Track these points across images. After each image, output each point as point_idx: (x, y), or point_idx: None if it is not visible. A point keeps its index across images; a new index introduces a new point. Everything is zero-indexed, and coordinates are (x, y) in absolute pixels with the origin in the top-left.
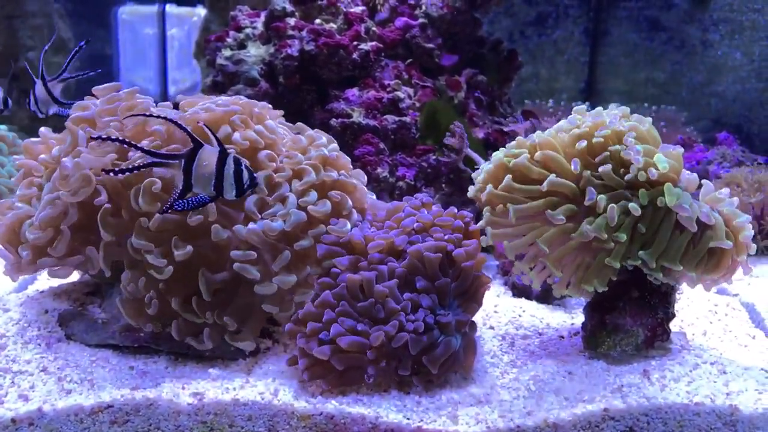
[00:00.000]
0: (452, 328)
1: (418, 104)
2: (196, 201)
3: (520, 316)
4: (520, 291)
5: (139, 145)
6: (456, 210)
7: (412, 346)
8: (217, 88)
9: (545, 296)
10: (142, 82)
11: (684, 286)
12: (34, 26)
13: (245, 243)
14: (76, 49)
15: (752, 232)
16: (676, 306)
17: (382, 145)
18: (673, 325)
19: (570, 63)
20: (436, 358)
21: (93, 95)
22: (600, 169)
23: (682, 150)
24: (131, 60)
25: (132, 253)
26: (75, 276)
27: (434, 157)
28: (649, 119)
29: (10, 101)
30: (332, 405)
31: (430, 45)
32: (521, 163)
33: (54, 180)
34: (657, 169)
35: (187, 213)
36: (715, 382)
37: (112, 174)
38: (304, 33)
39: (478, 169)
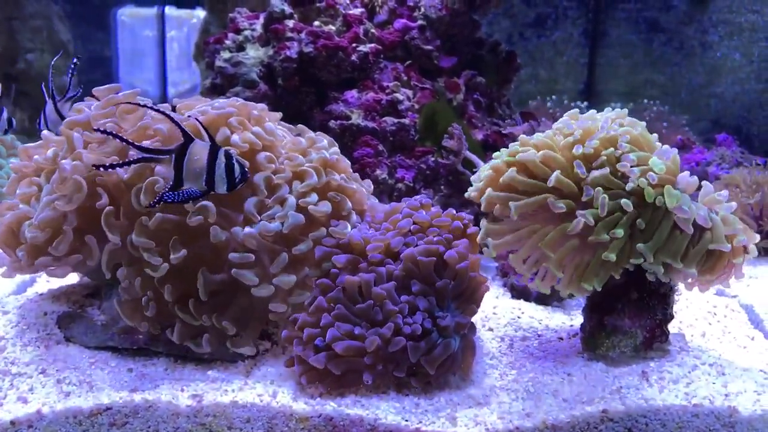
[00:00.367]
0: (451, 330)
1: (417, 106)
2: (186, 194)
3: (519, 317)
4: (519, 292)
5: (129, 140)
6: (455, 211)
7: (411, 353)
8: (216, 90)
9: (544, 298)
10: (142, 84)
11: (682, 288)
12: (33, 28)
13: (243, 246)
14: (72, 66)
15: (745, 238)
16: (675, 307)
17: (381, 147)
18: (672, 327)
19: (569, 64)
20: (434, 359)
21: (94, 96)
22: (597, 173)
23: (676, 152)
24: (130, 62)
25: (131, 251)
26: (74, 278)
27: (433, 159)
28: (643, 123)
29: (14, 121)
30: (331, 407)
31: (429, 47)
32: (529, 158)
33: (53, 182)
34: (655, 173)
35: (177, 205)
36: (713, 383)
37: (102, 169)
38: (302, 35)
39: (477, 171)
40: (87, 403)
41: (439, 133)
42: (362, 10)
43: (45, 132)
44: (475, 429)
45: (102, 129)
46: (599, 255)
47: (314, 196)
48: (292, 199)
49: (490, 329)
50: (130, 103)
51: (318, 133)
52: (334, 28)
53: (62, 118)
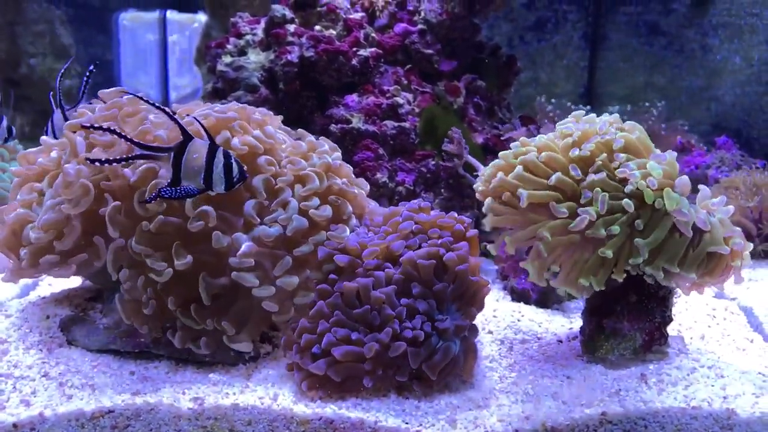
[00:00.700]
0: (450, 333)
1: (417, 110)
2: (183, 191)
3: (518, 320)
4: (518, 295)
5: (128, 137)
6: (456, 214)
7: (412, 359)
8: (217, 94)
9: (544, 301)
10: (143, 88)
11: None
12: (35, 33)
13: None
14: (87, 74)
15: (741, 242)
16: (675, 310)
17: (381, 151)
18: (671, 329)
19: (569, 68)
20: (436, 365)
21: (99, 98)
22: (596, 177)
23: (675, 155)
24: (132, 66)
25: (133, 256)
26: (77, 281)
27: (433, 162)
28: (640, 127)
29: (14, 129)
30: (331, 409)
31: (429, 51)
32: (530, 159)
33: (57, 186)
34: (654, 177)
35: (176, 204)
36: (712, 386)
37: (98, 164)
38: (303, 39)
39: (477, 174)
40: (89, 406)
41: (439, 137)
42: (363, 14)
43: (44, 137)
44: (474, 431)
45: (96, 125)
46: (598, 253)
47: (316, 200)
48: (294, 203)
49: (490, 332)
50: (134, 95)
51: (321, 138)
52: (334, 32)
53: None
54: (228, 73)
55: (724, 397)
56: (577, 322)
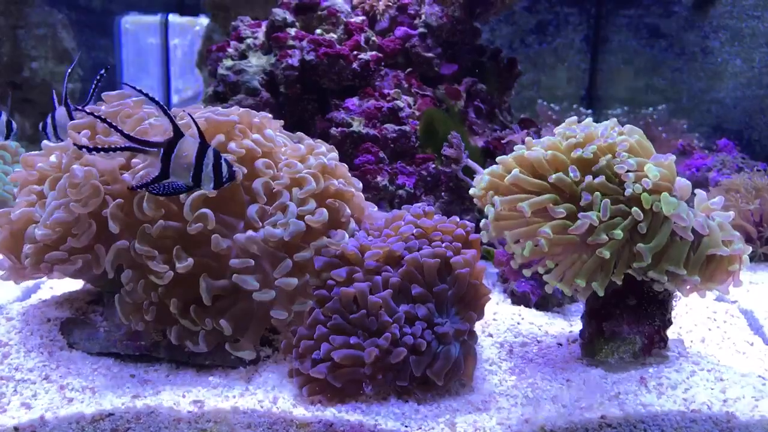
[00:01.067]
0: (450, 337)
1: (417, 113)
2: (172, 187)
3: (518, 323)
4: (518, 299)
5: (119, 128)
6: (458, 218)
7: (415, 368)
8: (218, 97)
9: (544, 304)
10: (145, 91)
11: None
12: (38, 36)
13: (244, 252)
14: (97, 77)
15: (740, 246)
16: (675, 313)
17: (381, 154)
18: (672, 332)
19: (570, 70)
20: (440, 371)
21: (104, 101)
22: (595, 180)
23: (674, 158)
24: (134, 69)
25: (134, 256)
26: (77, 285)
27: (434, 166)
28: (640, 131)
29: (14, 125)
30: (331, 413)
31: (430, 54)
32: (536, 156)
33: (60, 188)
34: (649, 178)
35: (161, 196)
36: (712, 389)
37: (85, 150)
38: (304, 43)
39: (477, 177)
40: (90, 409)
41: (439, 140)
42: (363, 18)
43: (45, 142)
44: None
45: (90, 112)
46: (597, 255)
47: (312, 205)
48: (293, 206)
49: (490, 335)
50: (135, 89)
51: (317, 140)
52: (335, 36)
53: None
54: (229, 76)
55: (724, 401)
56: (576, 325)
